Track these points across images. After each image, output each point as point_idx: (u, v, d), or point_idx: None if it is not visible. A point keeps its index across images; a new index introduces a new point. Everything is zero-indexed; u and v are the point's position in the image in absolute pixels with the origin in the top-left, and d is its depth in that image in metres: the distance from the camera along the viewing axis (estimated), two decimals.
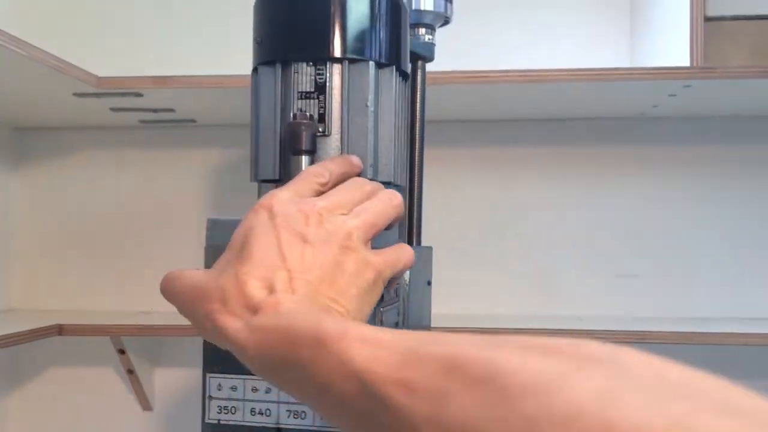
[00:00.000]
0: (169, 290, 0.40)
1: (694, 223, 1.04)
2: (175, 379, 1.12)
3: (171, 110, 1.01)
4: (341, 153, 0.51)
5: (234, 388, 0.49)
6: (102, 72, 0.89)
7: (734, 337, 0.86)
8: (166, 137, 1.12)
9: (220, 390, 0.48)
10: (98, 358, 1.11)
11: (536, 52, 1.07)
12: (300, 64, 0.51)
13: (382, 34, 0.52)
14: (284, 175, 0.51)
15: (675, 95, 0.90)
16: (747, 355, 0.99)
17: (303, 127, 0.49)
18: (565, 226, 1.05)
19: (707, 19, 0.86)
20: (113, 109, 1.00)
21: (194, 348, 1.11)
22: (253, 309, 0.35)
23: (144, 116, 1.05)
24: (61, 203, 1.13)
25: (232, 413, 0.48)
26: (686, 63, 0.88)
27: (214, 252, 0.44)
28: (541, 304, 1.04)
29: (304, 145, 0.50)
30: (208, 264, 0.45)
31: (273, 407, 0.49)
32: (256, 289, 0.36)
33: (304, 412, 0.49)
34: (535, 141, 1.06)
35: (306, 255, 0.38)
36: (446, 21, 0.64)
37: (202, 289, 0.38)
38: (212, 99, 0.94)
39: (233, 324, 0.36)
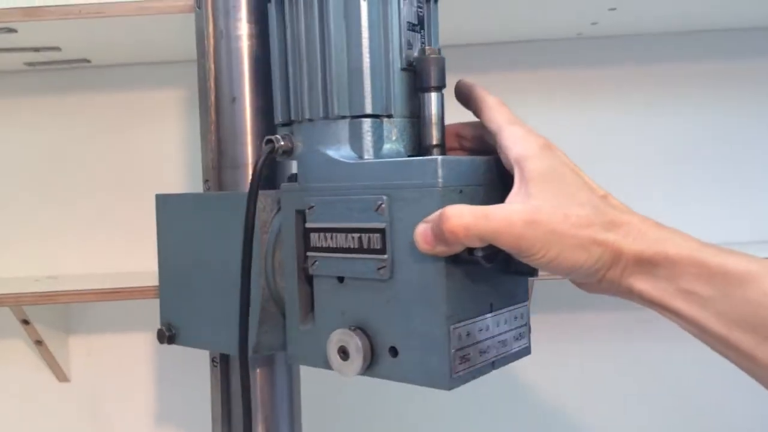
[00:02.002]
0: (521, 229, 0.41)
1: (636, 146, 0.98)
2: (93, 347, 1.01)
3: (56, 48, 0.88)
4: None
5: (468, 334, 0.46)
6: None
7: None
8: (57, 81, 0.99)
9: (460, 339, 0.45)
10: (1, 330, 1.00)
11: None
12: None
13: None
14: (398, 110, 0.49)
15: (615, 8, 0.82)
16: None
17: (436, 62, 0.48)
18: None
19: None
20: None
21: (109, 313, 1.00)
22: (618, 225, 0.42)
23: (28, 57, 0.92)
24: None
25: (468, 360, 0.46)
26: None
27: (447, 192, 0.45)
28: None
29: (438, 81, 0.48)
30: (443, 203, 0.44)
31: (491, 342, 0.48)
32: (619, 212, 0.43)
33: (505, 340, 0.50)
34: (465, 67, 0.97)
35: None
36: None
37: (574, 218, 0.42)
38: (100, 33, 0.82)
39: (625, 239, 0.42)
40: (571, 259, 0.42)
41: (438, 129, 0.49)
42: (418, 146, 0.51)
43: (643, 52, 0.97)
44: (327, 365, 0.49)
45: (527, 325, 0.52)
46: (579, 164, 0.45)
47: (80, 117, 0.99)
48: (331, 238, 0.49)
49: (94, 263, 0.99)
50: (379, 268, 0.46)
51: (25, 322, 0.93)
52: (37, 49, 0.88)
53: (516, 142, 0.46)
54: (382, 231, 0.46)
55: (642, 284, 0.42)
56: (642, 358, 0.98)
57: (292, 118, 0.51)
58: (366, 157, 0.48)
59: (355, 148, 0.49)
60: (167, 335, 0.59)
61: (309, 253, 0.50)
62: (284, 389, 0.62)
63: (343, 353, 0.47)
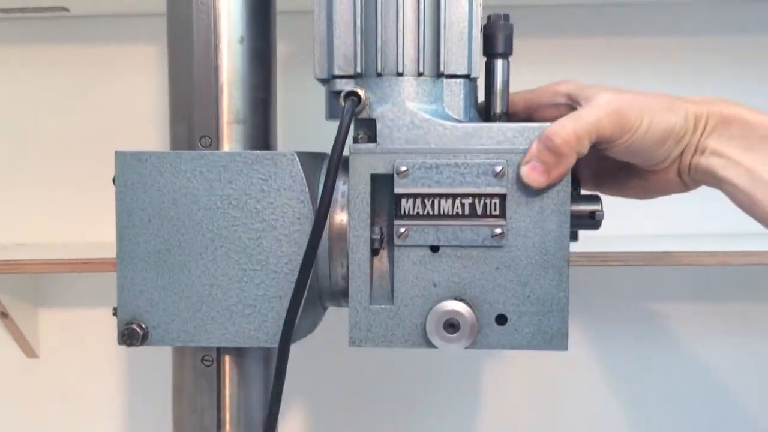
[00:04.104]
0: (618, 104, 0.44)
1: None
2: (64, 322, 0.90)
3: None
4: None
5: None
6: None
7: (707, 257, 0.72)
8: (33, 30, 0.87)
9: None
10: None
11: None
12: None
13: None
14: (474, 68, 0.47)
15: None
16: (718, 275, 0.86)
17: (505, 29, 0.48)
18: None
19: None
20: None
21: (82, 285, 0.89)
22: (695, 100, 0.46)
23: (2, 3, 0.79)
24: None
25: None
26: None
27: None
28: None
29: (506, 48, 0.48)
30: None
31: None
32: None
33: None
34: None
35: None
36: None
37: (652, 96, 0.46)
38: None
39: (703, 106, 0.46)
40: (664, 121, 0.44)
41: (503, 96, 0.49)
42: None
43: (672, 21, 0.86)
44: (410, 344, 0.46)
45: None
46: None
47: (55, 71, 0.88)
48: (431, 204, 0.45)
49: (68, 230, 0.89)
50: (494, 235, 0.45)
51: None
52: None
53: (553, 88, 0.49)
54: (502, 196, 0.45)
55: (715, 142, 0.45)
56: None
57: (379, 70, 0.46)
58: (464, 119, 0.47)
59: (452, 109, 0.47)
60: (141, 334, 0.47)
61: (397, 222, 0.46)
62: (261, 387, 0.54)
63: (452, 326, 0.45)
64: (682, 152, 0.46)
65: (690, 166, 0.47)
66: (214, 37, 0.47)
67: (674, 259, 0.74)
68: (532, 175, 0.44)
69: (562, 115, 0.46)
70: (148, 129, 0.87)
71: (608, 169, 0.51)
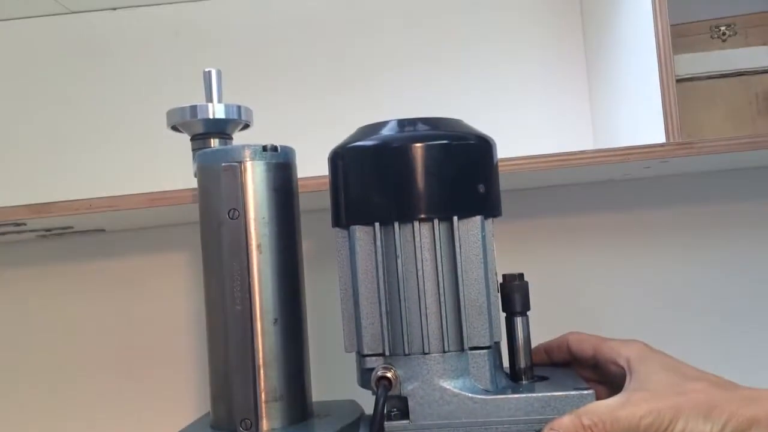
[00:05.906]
0: (663, 416, 0.44)
1: (676, 291, 0.88)
2: None
3: (68, 228, 0.80)
4: None
5: None
6: None
7: None
8: (71, 248, 0.91)
9: None
10: None
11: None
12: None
13: None
14: (496, 335, 0.49)
15: (649, 167, 0.75)
16: None
17: (520, 288, 0.50)
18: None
19: (679, 80, 0.70)
20: None
21: None
22: (743, 394, 0.46)
23: (41, 232, 0.83)
24: None
25: None
26: (659, 133, 0.73)
27: None
28: None
29: (523, 306, 0.51)
30: None
31: None
32: (734, 384, 0.47)
33: None
34: None
35: None
36: (246, 125, 0.61)
37: (692, 392, 0.45)
38: (110, 219, 0.73)
39: (743, 410, 0.44)
40: (695, 430, 0.44)
41: (526, 352, 0.51)
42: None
43: (675, 193, 0.89)
44: None
45: None
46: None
47: (93, 284, 0.91)
48: None
49: None
50: None
51: None
52: (48, 230, 0.79)
53: (619, 348, 0.51)
54: None
55: None
56: None
57: (406, 351, 0.48)
58: (491, 387, 0.48)
59: (479, 380, 0.48)
60: None
61: None
62: None
63: None
64: None
65: None
66: (251, 321, 0.49)
67: None
68: None
69: (620, 374, 0.49)
70: (186, 336, 0.89)
71: None
